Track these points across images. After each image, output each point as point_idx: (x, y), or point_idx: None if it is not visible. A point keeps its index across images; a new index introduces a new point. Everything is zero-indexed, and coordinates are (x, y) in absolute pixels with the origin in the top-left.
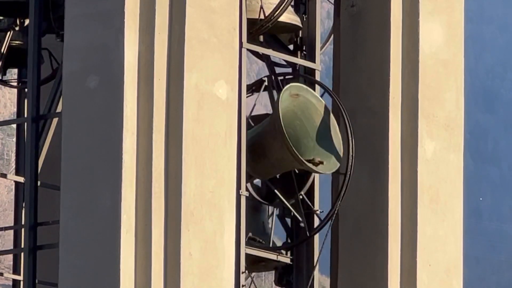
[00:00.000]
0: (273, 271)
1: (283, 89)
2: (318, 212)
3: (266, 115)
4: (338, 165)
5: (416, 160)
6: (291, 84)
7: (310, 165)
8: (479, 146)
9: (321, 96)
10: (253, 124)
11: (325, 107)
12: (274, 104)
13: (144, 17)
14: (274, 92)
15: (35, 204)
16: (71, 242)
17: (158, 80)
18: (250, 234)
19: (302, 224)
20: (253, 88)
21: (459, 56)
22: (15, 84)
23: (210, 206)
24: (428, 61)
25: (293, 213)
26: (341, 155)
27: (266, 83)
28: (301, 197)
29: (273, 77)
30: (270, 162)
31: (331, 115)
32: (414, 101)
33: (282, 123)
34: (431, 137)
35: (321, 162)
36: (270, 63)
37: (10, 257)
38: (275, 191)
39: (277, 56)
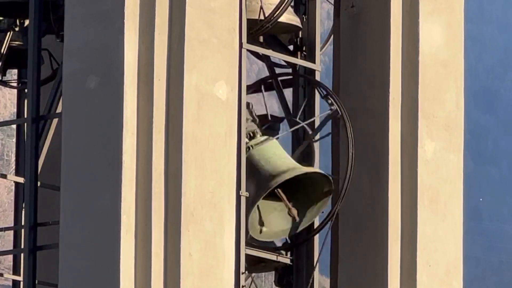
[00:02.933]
0: (273, 272)
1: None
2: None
3: (266, 115)
4: (284, 236)
5: (416, 161)
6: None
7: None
8: (479, 146)
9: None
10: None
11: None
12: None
13: (144, 17)
14: (273, 93)
15: (35, 205)
16: (71, 243)
17: (158, 80)
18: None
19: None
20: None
21: (459, 57)
22: (15, 84)
23: (210, 206)
24: (428, 62)
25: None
26: (296, 230)
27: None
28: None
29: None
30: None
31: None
32: (414, 101)
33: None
34: (431, 137)
35: (261, 230)
36: (270, 64)
37: (10, 257)
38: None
39: (277, 56)
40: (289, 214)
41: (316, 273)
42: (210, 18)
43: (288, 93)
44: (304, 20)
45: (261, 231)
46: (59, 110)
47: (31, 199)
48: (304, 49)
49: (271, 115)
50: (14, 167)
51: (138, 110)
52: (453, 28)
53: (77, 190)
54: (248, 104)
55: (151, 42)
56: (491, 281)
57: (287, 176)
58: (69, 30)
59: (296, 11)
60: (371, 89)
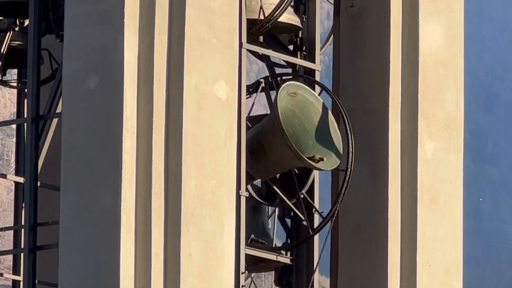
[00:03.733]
0: (273, 272)
1: (281, 87)
2: (318, 212)
3: (266, 115)
4: (339, 162)
5: (416, 161)
6: (289, 82)
7: (310, 161)
8: (479, 146)
9: (319, 94)
10: (250, 126)
11: (323, 105)
12: (273, 102)
13: (144, 17)
14: (273, 93)
15: (35, 205)
16: (71, 242)
17: (158, 80)
18: (252, 236)
19: (305, 223)
20: (250, 90)
21: (459, 57)
22: (15, 84)
23: (210, 206)
24: (428, 62)
25: (293, 213)
26: (341, 152)
27: (263, 84)
28: (302, 196)
29: (271, 78)
30: (270, 161)
31: (330, 112)
32: (414, 101)
33: (281, 120)
34: (431, 137)
35: (321, 159)
36: (270, 64)
37: (10, 257)
38: (275, 188)
39: (277, 56)
40: (316, 161)
41: (316, 273)
42: (210, 18)
43: None
44: (304, 20)
45: (317, 161)
46: (59, 110)
47: (31, 199)
48: (304, 49)
49: None
50: (14, 167)
51: (138, 110)
52: (453, 28)
53: (77, 190)
54: None
55: (151, 42)
56: (491, 281)
57: (292, 165)
58: (69, 30)
59: (296, 11)
60: (370, 88)
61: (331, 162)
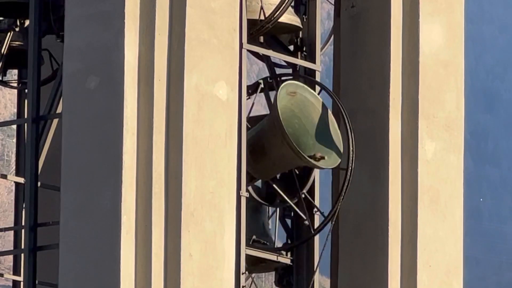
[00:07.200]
0: (273, 272)
1: (280, 87)
2: (318, 212)
3: (266, 115)
4: (339, 160)
5: (417, 161)
6: (288, 82)
7: (311, 160)
8: (479, 146)
9: (319, 95)
10: (250, 126)
11: (323, 105)
12: (272, 102)
13: (144, 18)
14: (273, 93)
15: (35, 205)
16: (71, 243)
17: (159, 81)
18: (254, 237)
19: (306, 222)
20: (250, 91)
21: (459, 57)
22: (15, 85)
23: (210, 207)
24: (428, 62)
25: (294, 213)
26: (341, 150)
27: (262, 86)
28: (302, 196)
29: (271, 78)
30: (270, 161)
31: (329, 112)
32: (414, 101)
33: (281, 120)
34: (431, 137)
35: (322, 158)
36: (270, 64)
37: (10, 258)
38: (276, 189)
39: (277, 57)
40: (317, 159)
41: (316, 273)
42: (211, 19)
43: None
44: (304, 20)
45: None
46: (59, 110)
47: (31, 199)
48: (304, 49)
49: None
50: (14, 167)
51: (139, 110)
52: (453, 28)
53: (77, 190)
54: None
55: (152, 43)
56: (491, 281)
57: (293, 164)
58: (69, 31)
59: (296, 11)
60: (371, 89)
61: (331, 160)
